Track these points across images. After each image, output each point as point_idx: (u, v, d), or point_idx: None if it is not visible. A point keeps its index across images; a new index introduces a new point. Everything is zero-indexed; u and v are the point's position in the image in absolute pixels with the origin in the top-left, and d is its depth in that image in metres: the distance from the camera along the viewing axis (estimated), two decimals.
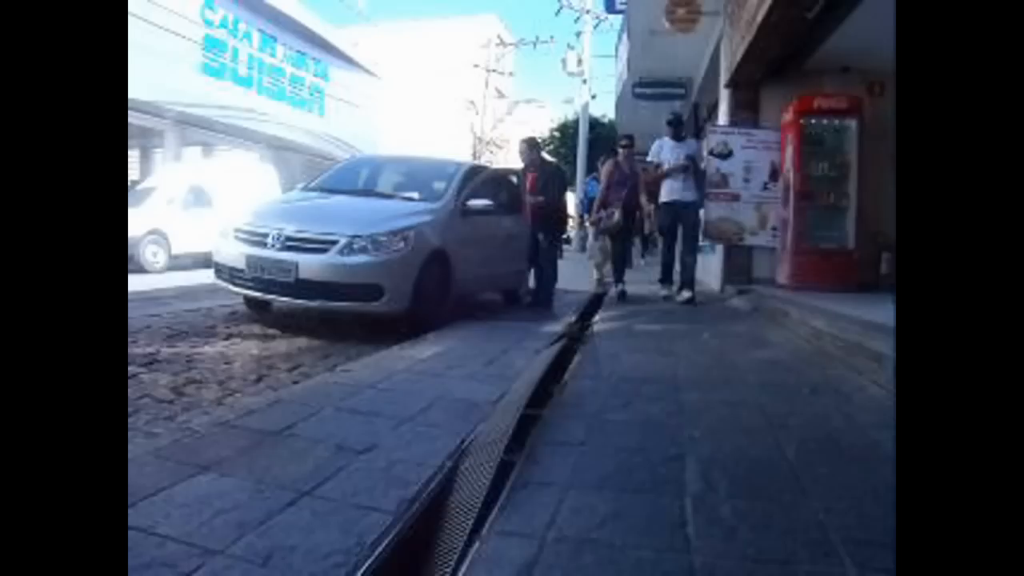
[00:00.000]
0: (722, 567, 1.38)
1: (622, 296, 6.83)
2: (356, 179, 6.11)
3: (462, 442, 2.21)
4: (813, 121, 6.92)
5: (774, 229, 7.49)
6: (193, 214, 10.12)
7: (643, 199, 6.98)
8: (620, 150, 7.13)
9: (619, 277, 7.06)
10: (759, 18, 5.70)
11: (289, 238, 4.50)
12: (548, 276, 6.70)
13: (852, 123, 6.89)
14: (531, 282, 7.01)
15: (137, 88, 10.74)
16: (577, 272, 9.10)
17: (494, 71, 31.85)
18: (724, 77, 7.83)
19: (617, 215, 6.83)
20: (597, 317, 5.56)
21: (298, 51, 18.56)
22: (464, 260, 5.38)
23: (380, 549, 1.47)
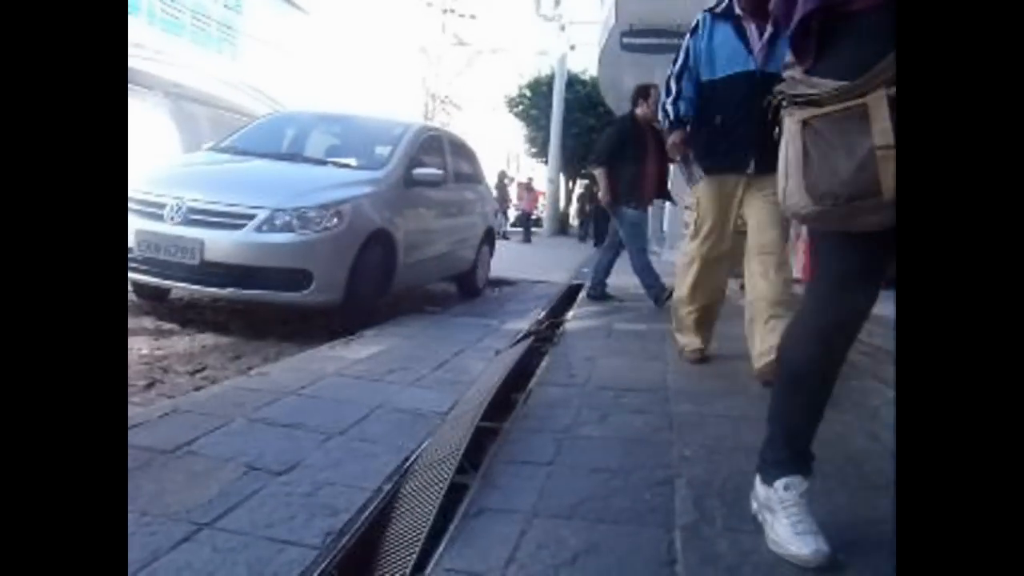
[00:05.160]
0: None
1: None
2: (279, 140, 6.01)
3: (405, 460, 2.20)
4: None
5: None
6: None
7: None
8: None
9: None
10: None
11: (193, 210, 4.36)
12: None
13: None
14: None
15: None
16: (547, 259, 9.12)
17: (451, 11, 31.65)
18: None
19: None
20: (570, 314, 5.58)
21: None
22: (411, 242, 5.36)
23: None
